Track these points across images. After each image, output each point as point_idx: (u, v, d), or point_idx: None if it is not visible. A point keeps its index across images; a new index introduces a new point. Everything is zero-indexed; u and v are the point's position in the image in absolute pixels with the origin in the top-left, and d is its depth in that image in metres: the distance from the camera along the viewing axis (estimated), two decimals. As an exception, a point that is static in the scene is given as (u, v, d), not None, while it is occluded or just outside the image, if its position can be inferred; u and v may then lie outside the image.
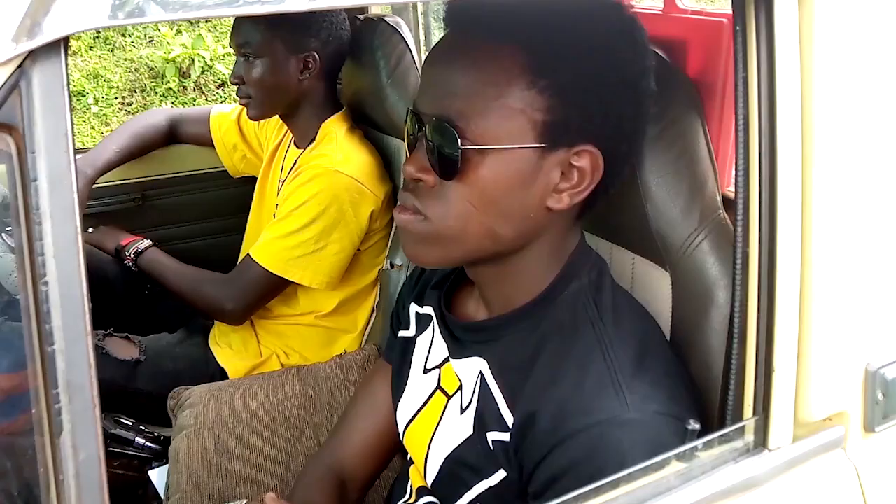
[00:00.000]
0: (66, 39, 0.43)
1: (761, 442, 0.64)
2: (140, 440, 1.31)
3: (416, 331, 0.89)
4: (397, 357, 0.90)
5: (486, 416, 0.73)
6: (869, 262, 0.64)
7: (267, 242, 1.34)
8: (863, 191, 0.63)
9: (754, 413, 0.63)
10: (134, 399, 1.36)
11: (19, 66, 0.43)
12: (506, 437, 0.70)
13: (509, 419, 0.70)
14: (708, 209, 0.77)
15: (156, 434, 1.34)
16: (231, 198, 1.74)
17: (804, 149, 0.61)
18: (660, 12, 0.98)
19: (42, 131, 0.45)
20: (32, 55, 0.43)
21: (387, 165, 1.42)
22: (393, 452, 0.97)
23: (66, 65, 0.45)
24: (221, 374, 1.42)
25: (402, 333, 0.91)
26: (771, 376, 0.62)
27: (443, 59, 0.69)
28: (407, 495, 0.89)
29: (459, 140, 0.65)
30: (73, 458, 0.48)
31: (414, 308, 0.90)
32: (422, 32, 1.74)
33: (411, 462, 0.89)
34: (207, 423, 1.24)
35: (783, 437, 0.64)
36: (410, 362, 0.87)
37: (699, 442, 0.61)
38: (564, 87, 0.64)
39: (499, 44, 0.65)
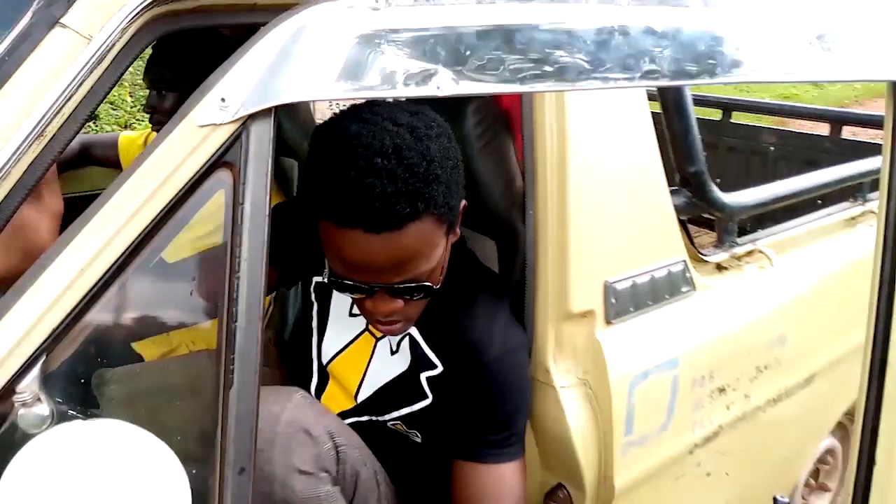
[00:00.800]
0: (277, 107, 0.58)
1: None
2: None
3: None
4: (317, 297, 1.09)
5: (419, 362, 1.02)
6: (603, 223, 1.04)
7: (176, 245, 1.59)
8: (595, 177, 1.03)
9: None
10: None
11: (243, 123, 0.57)
12: (437, 371, 1.01)
13: (436, 360, 1.01)
14: (517, 193, 1.16)
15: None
16: None
17: (561, 153, 1.00)
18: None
19: (251, 170, 0.58)
20: (253, 116, 0.57)
21: (282, 181, 1.72)
22: None
23: (275, 123, 0.59)
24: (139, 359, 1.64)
25: (316, 279, 1.09)
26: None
27: (376, 249, 0.80)
28: None
29: (430, 285, 0.87)
30: (237, 407, 0.59)
31: None
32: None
33: (319, 393, 1.10)
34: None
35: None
36: (330, 304, 1.07)
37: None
38: (453, 203, 0.86)
39: (419, 218, 0.81)
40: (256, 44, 0.59)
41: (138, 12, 0.63)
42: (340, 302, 1.07)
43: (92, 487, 0.56)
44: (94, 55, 0.61)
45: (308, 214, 0.87)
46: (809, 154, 2.42)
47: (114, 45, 0.63)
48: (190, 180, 0.59)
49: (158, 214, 0.59)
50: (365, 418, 1.08)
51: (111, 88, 0.65)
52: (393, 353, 1.04)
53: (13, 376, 0.57)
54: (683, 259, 1.13)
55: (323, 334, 1.09)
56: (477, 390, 0.97)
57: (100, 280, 0.58)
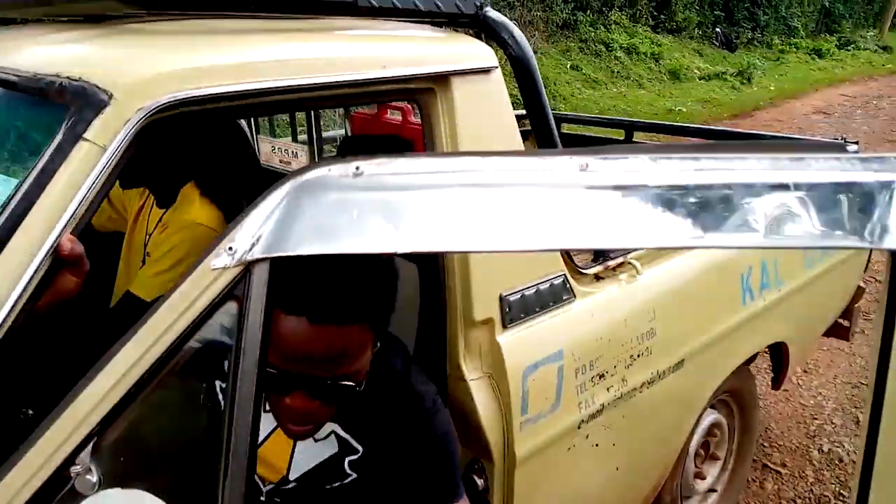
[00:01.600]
0: (274, 257, 0.69)
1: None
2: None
3: None
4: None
5: (343, 449, 1.12)
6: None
7: (143, 279, 1.80)
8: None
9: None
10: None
11: (246, 266, 0.69)
12: (357, 455, 1.11)
13: (357, 445, 1.11)
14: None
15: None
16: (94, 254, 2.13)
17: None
18: (400, 122, 1.66)
19: (252, 303, 0.70)
20: (255, 261, 0.69)
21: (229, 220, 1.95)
22: None
23: (272, 268, 0.70)
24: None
25: (220, 384, 1.09)
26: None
27: (314, 342, 0.89)
28: (263, 485, 1.17)
29: (353, 385, 0.93)
30: (237, 423, 0.71)
31: None
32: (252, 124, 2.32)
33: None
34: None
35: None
36: None
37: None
38: (386, 320, 0.99)
39: (360, 322, 0.92)
40: (259, 205, 0.73)
41: (137, 124, 0.88)
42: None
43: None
44: (108, 159, 0.86)
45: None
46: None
47: (120, 149, 0.87)
48: (205, 309, 0.74)
49: (182, 334, 0.75)
50: (298, 484, 1.17)
51: (117, 178, 0.90)
52: (317, 440, 1.12)
53: (72, 452, 0.74)
54: (563, 273, 1.43)
55: None
56: (426, 447, 1.11)
57: (133, 385, 0.75)
